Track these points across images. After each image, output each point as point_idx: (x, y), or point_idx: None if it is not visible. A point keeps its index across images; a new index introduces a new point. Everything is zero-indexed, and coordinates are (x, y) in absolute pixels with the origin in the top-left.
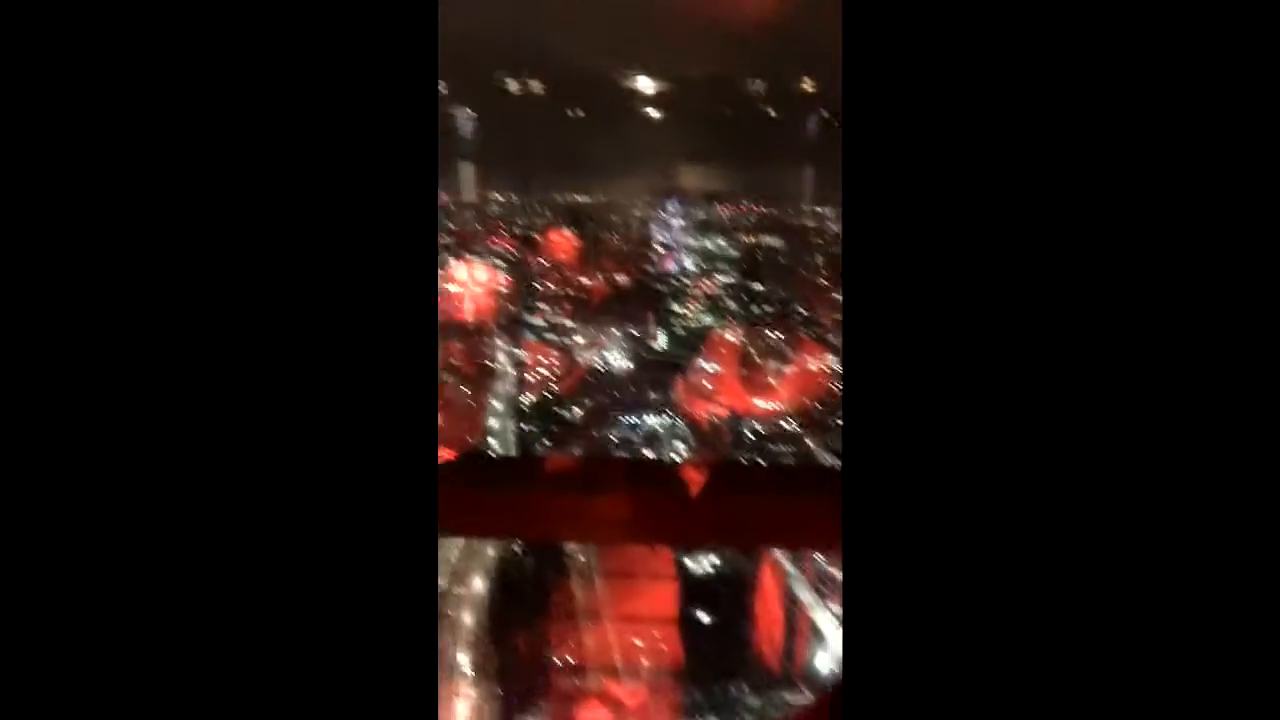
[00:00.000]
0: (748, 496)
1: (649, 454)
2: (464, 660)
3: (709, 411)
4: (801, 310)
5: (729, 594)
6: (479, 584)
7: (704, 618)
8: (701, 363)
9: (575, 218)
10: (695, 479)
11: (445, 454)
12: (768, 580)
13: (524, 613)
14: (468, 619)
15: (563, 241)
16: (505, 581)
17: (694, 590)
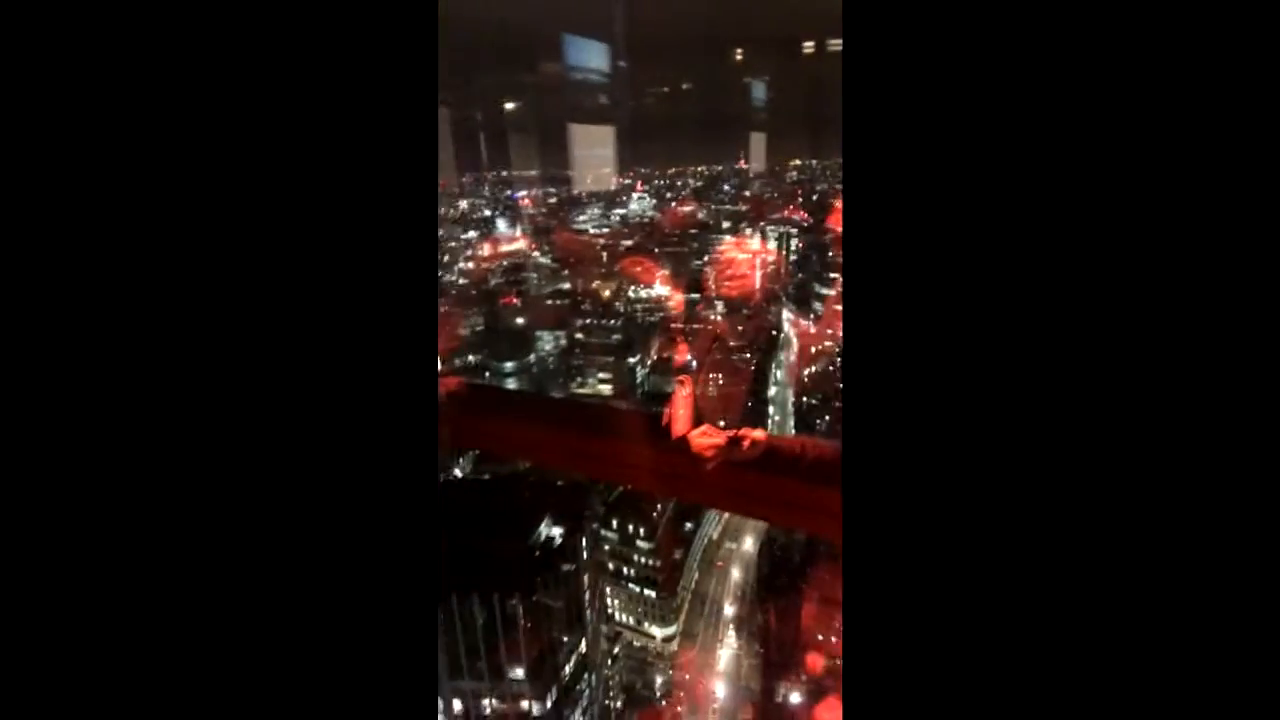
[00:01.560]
0: None
1: None
2: (729, 612)
3: None
4: None
5: None
6: (749, 543)
7: None
8: None
9: None
10: None
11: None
12: None
13: (787, 584)
14: (736, 574)
15: None
16: (772, 548)
17: None
